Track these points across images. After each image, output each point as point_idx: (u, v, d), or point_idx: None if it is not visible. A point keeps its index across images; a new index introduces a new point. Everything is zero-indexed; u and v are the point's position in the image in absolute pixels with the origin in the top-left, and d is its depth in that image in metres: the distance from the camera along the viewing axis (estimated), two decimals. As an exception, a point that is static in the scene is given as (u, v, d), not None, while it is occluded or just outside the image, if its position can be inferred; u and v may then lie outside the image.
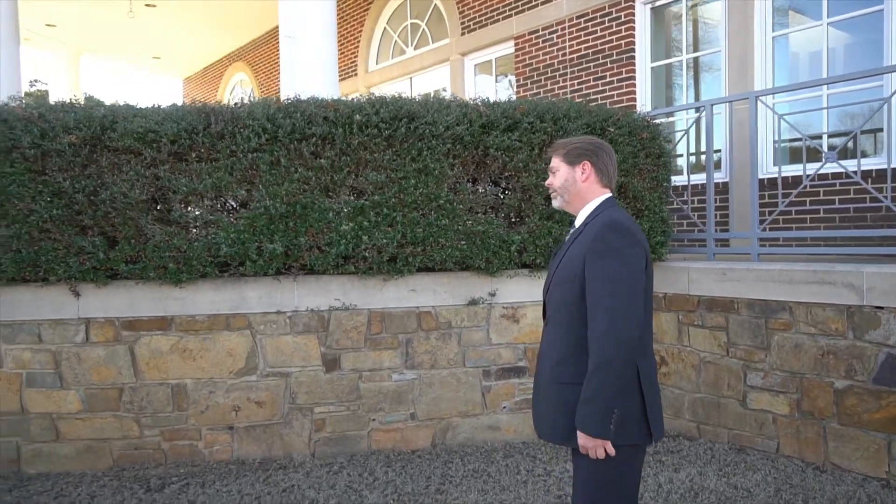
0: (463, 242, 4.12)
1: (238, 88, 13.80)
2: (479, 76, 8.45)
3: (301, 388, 4.07)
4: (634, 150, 4.40)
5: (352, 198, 3.98)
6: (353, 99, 4.08)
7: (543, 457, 4.06)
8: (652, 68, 6.43)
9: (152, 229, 3.78)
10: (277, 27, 11.50)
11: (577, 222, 2.24)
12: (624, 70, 6.43)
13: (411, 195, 3.96)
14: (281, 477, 3.76)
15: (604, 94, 6.60)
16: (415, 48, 9.29)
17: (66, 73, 12.73)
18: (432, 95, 4.31)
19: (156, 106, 3.94)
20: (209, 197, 3.86)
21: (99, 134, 3.72)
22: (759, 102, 4.42)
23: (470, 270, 4.28)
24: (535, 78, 7.35)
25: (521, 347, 4.39)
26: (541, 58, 7.27)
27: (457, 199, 4.07)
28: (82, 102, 3.95)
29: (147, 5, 10.44)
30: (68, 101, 3.93)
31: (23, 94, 5.19)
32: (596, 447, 1.95)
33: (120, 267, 3.81)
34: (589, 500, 2.08)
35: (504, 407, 4.36)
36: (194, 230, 3.89)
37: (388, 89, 8.71)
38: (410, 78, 9.40)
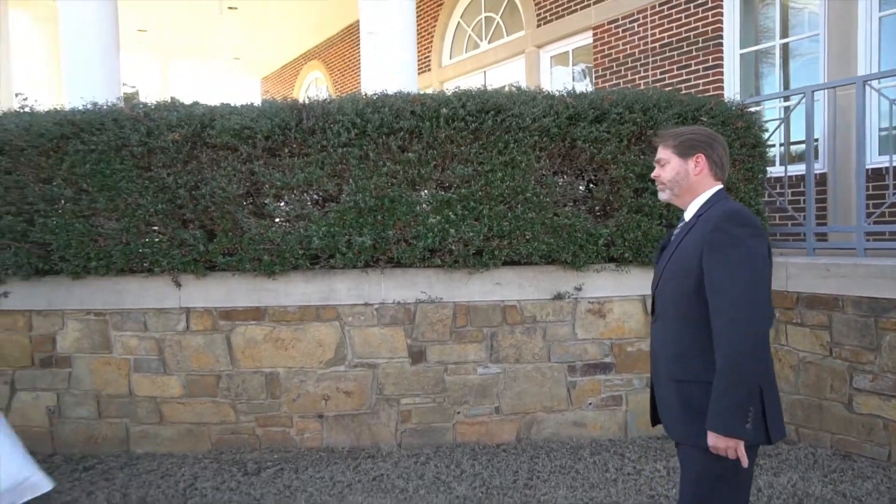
0: (549, 236, 4.07)
1: (313, 86, 14.14)
2: (554, 68, 8.33)
3: (388, 379, 4.13)
4: (728, 141, 4.22)
5: (439, 191, 3.99)
6: (439, 92, 4.09)
7: (632, 455, 3.97)
8: (741, 55, 6.15)
9: (248, 223, 3.92)
10: (352, 25, 11.76)
11: (687, 215, 2.17)
12: (710, 58, 6.19)
13: (498, 188, 3.95)
14: (370, 466, 3.84)
15: (688, 84, 6.37)
16: (489, 42, 9.25)
17: (156, 77, 13.38)
18: (507, 89, 4.25)
19: (250, 104, 4.07)
20: (301, 191, 3.96)
21: (199, 131, 3.88)
22: (867, 87, 4.15)
23: (555, 264, 4.22)
24: (615, 69, 7.17)
25: (607, 343, 4.30)
26: (620, 47, 7.09)
27: (543, 192, 4.03)
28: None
29: (229, 7, 10.83)
30: (170, 100, 4.12)
31: (122, 97, 5.48)
32: (728, 448, 1.87)
33: (218, 259, 3.97)
34: (698, 502, 2.01)
35: (590, 403, 4.29)
36: (287, 223, 4.00)
37: (461, 84, 8.71)
38: (484, 72, 9.36)
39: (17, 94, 4.29)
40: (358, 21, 10.61)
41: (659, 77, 6.68)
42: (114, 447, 4.10)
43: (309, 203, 4.00)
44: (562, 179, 4.17)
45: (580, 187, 4.20)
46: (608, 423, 4.31)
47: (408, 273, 4.13)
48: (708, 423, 1.88)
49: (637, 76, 6.88)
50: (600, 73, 7.34)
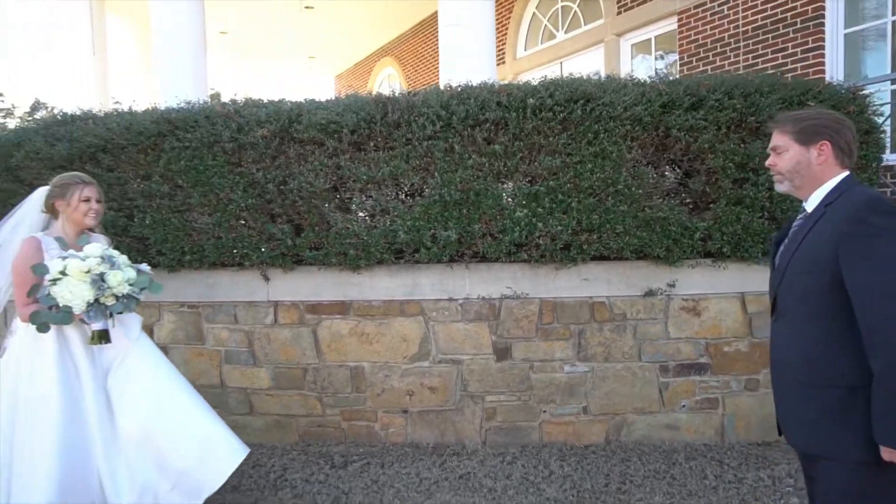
0: (641, 229, 3.89)
1: (385, 83, 14.26)
2: (636, 57, 8.03)
3: (472, 375, 4.07)
4: (839, 126, 3.91)
5: (525, 184, 3.89)
6: (525, 83, 3.98)
7: (731, 462, 3.75)
8: (845, 35, 5.72)
9: (334, 217, 3.93)
10: (425, 20, 11.76)
11: (810, 206, 1.98)
12: (810, 39, 5.79)
13: (587, 180, 3.80)
14: (455, 463, 3.78)
15: (785, 68, 5.98)
16: (565, 32, 9.03)
17: (235, 78, 13.82)
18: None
19: (336, 98, 4.08)
20: (386, 185, 3.94)
21: (286, 126, 3.92)
22: None
23: (646, 259, 4.04)
24: (702, 55, 6.84)
25: (702, 343, 4.08)
26: (708, 32, 6.74)
27: (635, 184, 3.85)
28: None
29: (306, 7, 11.03)
30: (258, 98, 4.19)
31: (209, 98, 5.65)
32: None
33: (305, 253, 4.01)
34: None
35: (683, 405, 4.09)
36: (371, 218, 4.00)
37: (536, 75, 8.54)
38: (560, 63, 9.15)
39: (114, 101, 4.46)
40: (431, 15, 10.57)
41: (751, 62, 6.32)
42: (206, 436, 4.22)
43: (394, 197, 3.98)
44: (655, 170, 3.98)
45: (674, 178, 3.99)
46: (703, 427, 4.09)
47: (493, 268, 4.05)
48: (878, 436, 1.71)
49: (726, 62, 6.53)
50: (685, 59, 7.02)
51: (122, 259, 2.89)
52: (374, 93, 4.04)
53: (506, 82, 4.13)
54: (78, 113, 4.40)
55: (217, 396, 4.20)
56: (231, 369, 4.19)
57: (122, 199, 4.12)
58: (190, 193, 4.01)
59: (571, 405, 4.08)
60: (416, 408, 4.10)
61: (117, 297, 2.81)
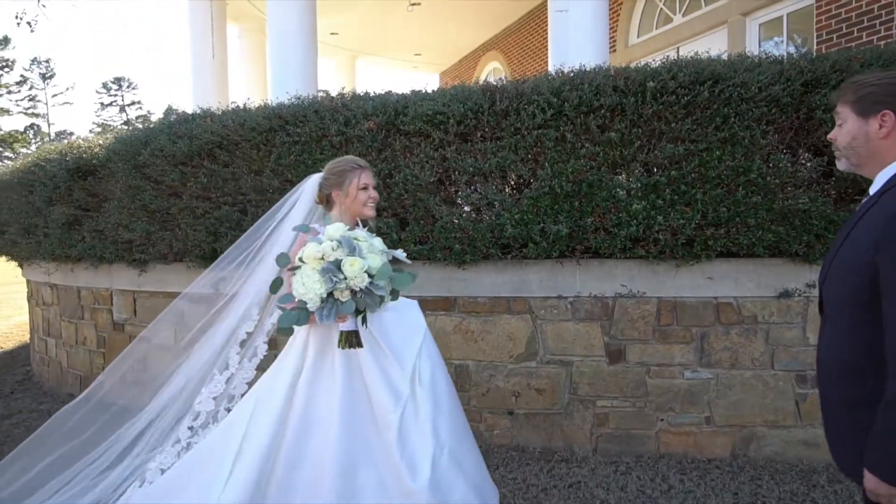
0: (777, 223, 3.49)
1: (491, 77, 14.12)
2: (764, 39, 7.37)
3: (582, 378, 3.83)
4: None
5: (643, 174, 3.60)
6: (644, 65, 3.68)
7: (883, 488, 3.28)
8: None
9: (439, 210, 3.83)
10: (532, 11, 11.49)
11: (872, 189, 1.67)
12: (982, 5, 5.02)
13: (714, 169, 3.46)
14: (564, 470, 3.57)
15: (948, 40, 5.24)
16: (683, 15, 8.47)
17: (343, 77, 14.20)
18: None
19: (442, 88, 3.98)
20: (493, 177, 3.79)
21: (392, 119, 3.86)
22: None
23: (781, 256, 3.63)
24: (844, 31, 6.13)
25: (847, 351, 3.61)
26: (854, 4, 6.03)
27: (770, 173, 3.46)
28: None
29: (412, 3, 11.09)
30: (361, 90, 4.17)
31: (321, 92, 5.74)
32: (892, 496, 1.51)
33: (410, 247, 3.93)
34: None
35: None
36: (478, 211, 3.86)
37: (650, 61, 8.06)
38: (677, 48, 8.58)
39: (232, 103, 4.60)
40: (538, 6, 10.29)
41: (906, 36, 5.59)
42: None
43: (501, 190, 3.82)
44: (793, 157, 3.56)
45: (816, 166, 3.55)
46: (847, 447, 3.62)
47: (605, 264, 3.79)
48: (865, 461, 1.54)
49: (875, 37, 5.82)
50: (824, 37, 6.33)
51: (369, 244, 2.36)
52: (483, 83, 3.90)
53: (622, 66, 3.85)
54: (198, 112, 4.58)
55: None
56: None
57: (236, 194, 4.24)
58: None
59: (692, 414, 3.74)
60: (522, 410, 3.92)
61: (354, 293, 2.28)
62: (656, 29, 8.96)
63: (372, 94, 4.13)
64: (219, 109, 4.53)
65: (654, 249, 3.62)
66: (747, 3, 7.25)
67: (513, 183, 3.86)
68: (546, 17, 7.28)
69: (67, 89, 67.51)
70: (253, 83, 11.27)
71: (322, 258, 2.26)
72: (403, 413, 2.45)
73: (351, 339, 2.39)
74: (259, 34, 10.96)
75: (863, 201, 1.72)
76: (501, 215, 3.74)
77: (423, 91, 4.01)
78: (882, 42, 5.75)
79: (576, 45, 5.33)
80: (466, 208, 3.88)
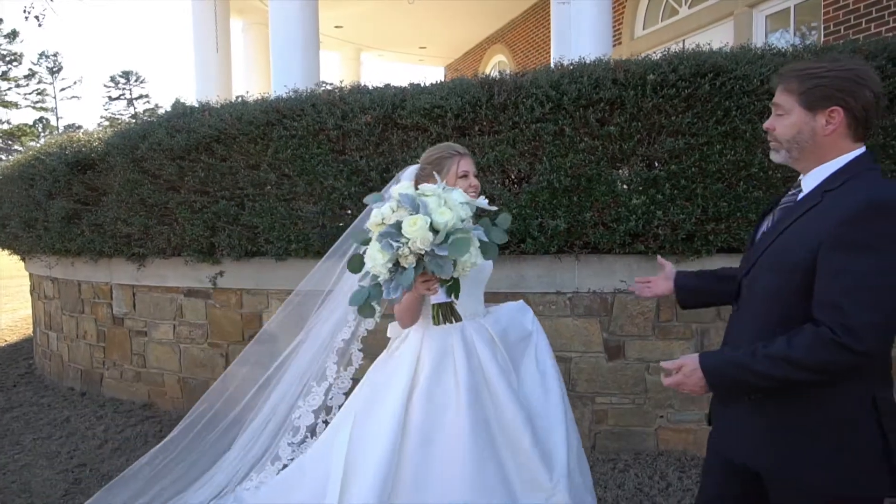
0: (778, 219, 3.44)
1: (496, 71, 14.03)
2: (771, 31, 7.27)
3: (581, 374, 3.80)
4: None
5: (643, 168, 3.55)
6: (644, 58, 3.63)
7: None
8: None
9: (437, 205, 3.79)
10: (536, 4, 11.39)
11: (807, 184, 1.60)
12: None
13: (715, 163, 3.41)
14: (562, 467, 3.54)
15: (957, 32, 5.14)
16: (689, 6, 8.37)
17: (349, 70, 14.16)
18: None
19: (440, 82, 3.94)
20: (491, 171, 3.75)
21: (390, 112, 3.82)
22: None
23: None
24: (853, 22, 6.04)
25: (850, 349, 3.56)
26: (861, -5, 5.94)
27: (772, 167, 3.40)
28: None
29: (414, -3, 11.03)
30: (363, 84, 4.13)
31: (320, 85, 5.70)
32: (686, 379, 1.60)
33: (407, 242, 3.90)
34: None
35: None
36: (476, 206, 3.82)
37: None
38: (682, 41, 8.48)
39: (236, 97, 4.57)
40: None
41: (914, 27, 5.49)
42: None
43: (499, 184, 3.78)
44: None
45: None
46: None
47: (605, 260, 3.75)
48: (709, 356, 1.60)
49: (884, 28, 5.72)
50: (832, 29, 6.24)
51: (439, 198, 1.96)
52: (481, 76, 3.85)
53: (622, 59, 3.79)
54: (196, 105, 4.56)
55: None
56: (335, 358, 4.18)
57: (234, 187, 4.22)
58: (296, 182, 4.02)
59: (692, 411, 3.70)
60: (520, 406, 3.89)
61: (420, 257, 1.91)
62: (662, 21, 8.87)
63: (370, 87, 4.09)
64: (217, 103, 4.51)
65: (653, 245, 3.58)
66: (754, -6, 7.15)
67: (511, 177, 3.82)
68: (550, 10, 7.21)
69: (75, 83, 67.96)
70: (257, 77, 11.24)
71: (382, 222, 1.96)
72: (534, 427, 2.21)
73: (445, 313, 2.07)
74: (263, 28, 10.89)
75: (799, 196, 1.64)
76: (500, 210, 3.69)
77: (421, 84, 3.97)
78: (891, 33, 5.66)
79: (577, 37, 5.27)
80: (464, 203, 3.84)
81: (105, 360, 5.25)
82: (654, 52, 3.92)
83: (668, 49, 3.75)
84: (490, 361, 2.23)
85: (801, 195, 1.63)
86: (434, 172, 2.30)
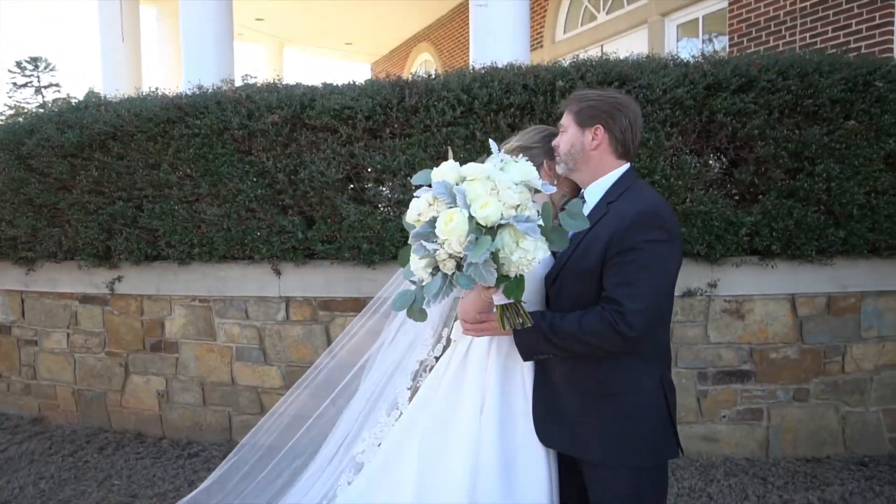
0: (680, 224, 3.54)
1: (422, 69, 14.00)
2: (682, 39, 7.55)
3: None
4: (912, 111, 3.49)
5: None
6: (554, 64, 3.67)
7: (776, 480, 3.41)
8: (917, 10, 5.19)
9: (347, 209, 3.71)
10: (462, 3, 11.40)
11: (590, 198, 1.85)
12: (878, 15, 5.26)
13: (620, 170, 3.47)
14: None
15: (847, 47, 5.47)
16: (607, 13, 8.58)
17: (272, 65, 13.76)
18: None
19: (352, 82, 3.85)
20: (403, 174, 3.69)
21: (298, 112, 3.70)
22: None
23: (685, 257, 3.68)
24: (754, 35, 6.34)
25: (746, 348, 3.72)
26: (762, 10, 6.24)
27: (675, 174, 3.50)
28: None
29: (339, -10, 10.83)
30: (272, 81, 3.99)
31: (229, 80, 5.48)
32: (473, 327, 1.84)
33: (317, 247, 3.80)
34: None
35: (723, 416, 3.74)
36: (388, 209, 3.76)
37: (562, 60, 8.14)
38: (601, 46, 8.70)
39: (149, 90, 4.31)
40: (467, -2, 10.08)
41: (809, 41, 5.81)
42: (217, 435, 4.08)
43: (411, 188, 3.72)
44: (697, 159, 3.62)
45: (719, 168, 3.62)
46: (745, 440, 3.74)
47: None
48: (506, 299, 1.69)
49: (781, 41, 6.03)
50: (736, 40, 6.53)
51: (487, 182, 1.59)
52: (393, 78, 3.78)
53: (534, 64, 3.82)
54: (92, 99, 4.28)
55: (228, 395, 4.05)
56: (242, 367, 4.03)
57: (132, 188, 3.98)
58: (199, 183, 3.84)
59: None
60: (433, 412, 3.86)
61: (458, 263, 1.58)
62: (581, 26, 9.06)
63: (280, 85, 3.95)
64: (115, 98, 4.25)
65: (562, 249, 3.61)
66: (666, 3, 7.40)
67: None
68: (471, 10, 7.22)
69: (-26, 68, 62.94)
70: (171, 70, 10.74)
71: (419, 218, 1.63)
72: None
73: (510, 315, 1.72)
74: (177, 18, 10.43)
75: (587, 209, 1.82)
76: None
77: (333, 84, 3.87)
78: (788, 47, 5.98)
79: (496, 40, 5.27)
80: (376, 207, 3.77)
81: (-8, 371, 4.87)
82: (576, 56, 3.97)
83: (577, 56, 3.80)
84: None
85: (588, 209, 1.82)
86: (545, 160, 1.95)
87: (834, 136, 3.47)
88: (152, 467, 3.75)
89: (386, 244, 3.68)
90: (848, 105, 3.48)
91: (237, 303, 4.00)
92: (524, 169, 1.64)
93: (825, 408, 3.75)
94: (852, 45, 5.44)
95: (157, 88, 4.22)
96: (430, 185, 1.65)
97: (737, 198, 3.69)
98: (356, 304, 3.89)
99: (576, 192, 1.98)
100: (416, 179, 1.73)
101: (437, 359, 2.15)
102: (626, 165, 1.85)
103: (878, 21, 5.26)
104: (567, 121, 1.87)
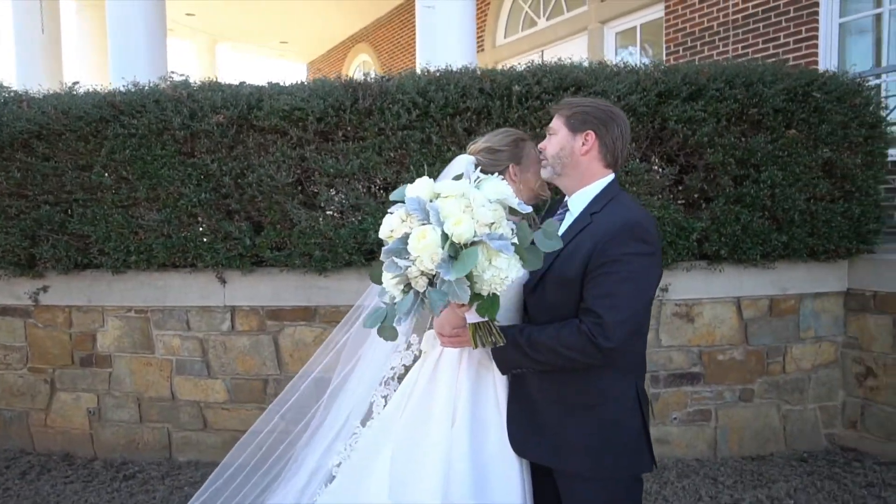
0: (633, 230, 3.59)
1: (360, 70, 13.79)
2: (620, 47, 7.74)
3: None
4: (844, 120, 3.66)
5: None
6: (511, 68, 3.64)
7: (726, 479, 3.49)
8: (840, 24, 5.49)
9: (298, 214, 3.56)
10: (401, 5, 11.31)
11: (574, 207, 1.85)
12: (804, 28, 5.53)
13: (576, 176, 3.48)
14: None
15: (775, 59, 5.73)
16: (547, 19, 8.70)
17: (203, 62, 13.23)
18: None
19: (301, 82, 3.70)
20: (356, 179, 3.58)
21: (245, 113, 3.53)
22: None
23: (638, 262, 3.74)
24: (689, 44, 6.56)
25: (695, 351, 3.81)
26: (696, 20, 6.46)
27: (627, 180, 3.54)
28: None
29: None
30: (216, 80, 3.79)
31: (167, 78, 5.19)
32: (446, 335, 1.81)
33: (265, 254, 3.63)
34: None
35: (674, 418, 3.81)
36: (340, 215, 3.63)
37: (516, 65, 8.20)
38: (542, 51, 8.81)
39: (71, 85, 3.98)
40: (406, 0, 10.08)
41: (741, 52, 6.05)
42: (155, 453, 3.84)
43: (365, 192, 3.61)
44: (648, 166, 3.67)
45: (670, 175, 3.69)
46: (695, 441, 3.83)
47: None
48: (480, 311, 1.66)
49: (715, 52, 6.26)
50: (672, 49, 6.73)
51: (461, 199, 1.57)
52: (345, 79, 3.66)
53: (489, 68, 3.78)
54: (10, 95, 3.93)
55: (167, 411, 3.81)
56: (183, 381, 3.80)
57: (60, 191, 3.69)
58: (136, 186, 3.59)
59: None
60: (388, 422, 3.76)
61: (430, 281, 1.56)
62: (522, 31, 9.15)
63: (223, 84, 3.75)
64: (39, 93, 3.92)
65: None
66: (605, 11, 7.56)
67: (377, 185, 3.67)
68: (415, 12, 7.15)
69: None
70: (94, 66, 10.12)
71: (391, 235, 1.63)
72: None
73: (483, 334, 1.70)
74: (101, 10, 9.81)
75: (562, 208, 1.86)
76: (365, 220, 3.54)
77: (280, 84, 3.70)
78: (721, 56, 6.20)
79: (443, 42, 5.23)
80: (328, 212, 3.64)
81: None
82: (517, 62, 3.96)
83: (532, 61, 3.79)
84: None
85: (571, 217, 1.83)
86: (511, 164, 1.93)
87: (777, 144, 3.61)
88: (83, 492, 3.48)
89: (339, 251, 3.55)
90: (789, 114, 3.62)
91: (177, 313, 3.77)
92: (499, 187, 1.63)
93: (768, 407, 3.89)
94: (780, 57, 5.70)
95: (78, 84, 3.91)
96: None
97: (687, 204, 3.77)
98: (306, 313, 3.75)
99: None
100: (394, 196, 1.73)
101: (406, 367, 2.11)
102: (611, 176, 1.85)
103: (804, 34, 5.53)
104: (557, 124, 1.86)
